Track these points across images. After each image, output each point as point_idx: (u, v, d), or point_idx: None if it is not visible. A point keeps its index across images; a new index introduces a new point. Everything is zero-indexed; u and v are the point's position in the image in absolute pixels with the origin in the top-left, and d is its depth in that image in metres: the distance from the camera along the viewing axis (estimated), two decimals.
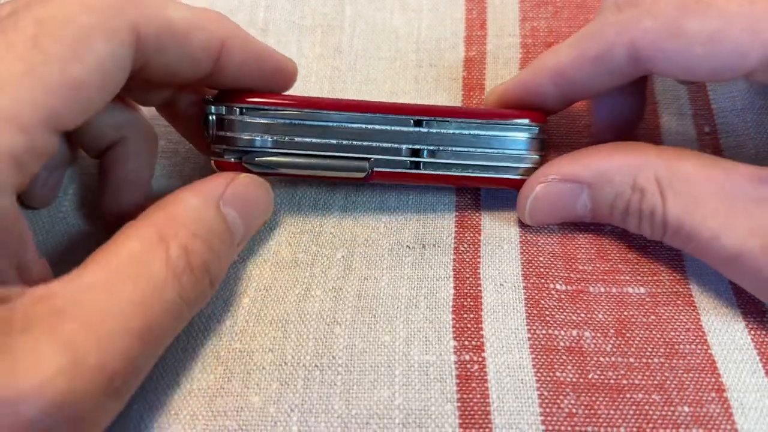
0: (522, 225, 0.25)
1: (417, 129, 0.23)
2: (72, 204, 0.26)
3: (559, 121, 0.28)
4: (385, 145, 0.23)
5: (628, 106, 0.25)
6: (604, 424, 0.20)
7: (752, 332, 0.22)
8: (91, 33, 0.17)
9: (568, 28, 0.30)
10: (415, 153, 0.24)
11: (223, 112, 0.22)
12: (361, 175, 0.23)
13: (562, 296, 0.23)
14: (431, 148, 0.23)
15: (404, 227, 0.25)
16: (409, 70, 0.30)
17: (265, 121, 0.22)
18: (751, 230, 0.20)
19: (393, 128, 0.23)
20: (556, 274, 0.23)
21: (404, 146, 0.23)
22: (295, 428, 0.20)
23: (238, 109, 0.22)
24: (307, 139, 0.23)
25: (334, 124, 0.23)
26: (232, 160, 0.23)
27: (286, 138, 0.22)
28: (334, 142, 0.23)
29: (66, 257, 0.24)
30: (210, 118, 0.23)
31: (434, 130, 0.23)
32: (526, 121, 0.24)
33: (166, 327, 0.18)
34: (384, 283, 0.23)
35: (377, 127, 0.23)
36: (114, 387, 0.16)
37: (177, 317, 0.18)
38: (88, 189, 0.26)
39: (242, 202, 0.21)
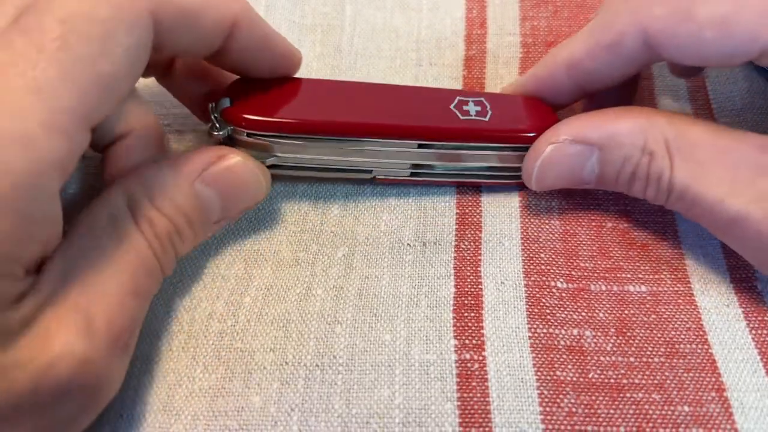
0: (523, 222, 0.25)
1: (420, 150, 0.24)
2: (72, 204, 0.26)
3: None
4: (389, 161, 0.24)
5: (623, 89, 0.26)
6: (604, 423, 0.20)
7: (753, 332, 0.22)
8: (114, 26, 0.17)
9: (569, 28, 0.30)
10: (417, 164, 0.24)
11: (229, 134, 0.23)
12: (366, 177, 0.25)
13: (563, 294, 0.23)
14: (433, 163, 0.24)
15: (405, 225, 0.25)
16: (410, 68, 0.30)
17: (270, 143, 0.23)
18: (755, 197, 0.20)
19: (397, 150, 0.24)
20: (557, 271, 0.23)
21: (408, 161, 0.24)
22: (295, 428, 0.20)
23: (244, 132, 0.22)
24: (312, 156, 0.23)
25: (340, 146, 0.23)
26: None
27: (290, 155, 0.23)
28: (338, 158, 0.24)
29: None
30: (215, 133, 0.23)
31: (438, 151, 0.24)
32: (533, 135, 0.23)
33: (147, 285, 0.19)
34: (385, 281, 0.23)
35: (382, 149, 0.23)
36: (122, 343, 0.18)
37: (154, 277, 0.20)
38: (92, 188, 0.26)
39: (224, 183, 0.21)
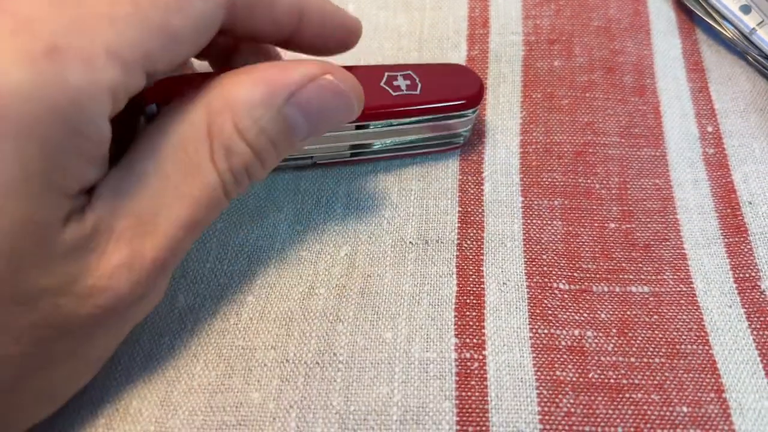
0: (525, 222, 0.25)
1: (358, 131, 0.24)
2: None
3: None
4: (328, 145, 0.25)
5: None
6: (602, 424, 0.20)
7: (755, 333, 0.21)
8: None
9: (571, 26, 0.30)
10: (356, 145, 0.25)
11: None
12: (307, 163, 0.26)
13: (566, 296, 0.23)
14: (372, 141, 0.25)
15: (407, 223, 0.25)
16: None
17: None
18: None
19: (336, 133, 0.24)
20: (559, 272, 0.23)
21: (346, 143, 0.25)
22: (293, 424, 0.20)
23: None
24: None
25: None
26: None
27: None
28: None
29: None
30: None
31: (376, 130, 0.24)
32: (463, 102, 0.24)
33: (207, 219, 0.19)
34: (387, 279, 0.23)
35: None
36: (165, 273, 0.18)
37: (216, 210, 0.19)
38: None
39: (315, 107, 0.20)
